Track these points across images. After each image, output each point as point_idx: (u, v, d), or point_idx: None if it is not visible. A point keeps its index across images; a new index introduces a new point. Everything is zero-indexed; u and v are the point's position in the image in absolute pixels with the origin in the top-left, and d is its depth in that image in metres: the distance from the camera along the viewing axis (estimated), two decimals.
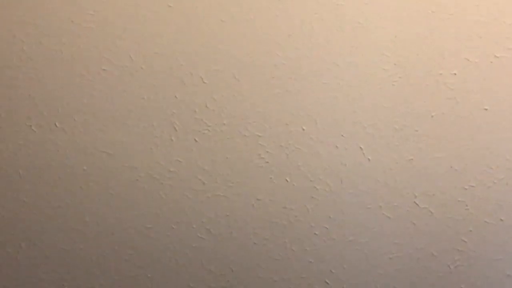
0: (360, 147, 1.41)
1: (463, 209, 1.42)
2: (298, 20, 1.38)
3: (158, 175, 1.42)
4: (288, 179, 1.42)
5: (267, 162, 1.42)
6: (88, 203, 1.43)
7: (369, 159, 1.41)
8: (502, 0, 1.37)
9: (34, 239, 1.45)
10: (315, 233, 1.44)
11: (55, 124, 1.41)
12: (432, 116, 1.40)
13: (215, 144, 1.41)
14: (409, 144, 1.41)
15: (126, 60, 1.39)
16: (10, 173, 1.42)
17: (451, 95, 1.40)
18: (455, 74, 1.39)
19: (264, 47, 1.39)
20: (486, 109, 1.40)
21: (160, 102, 1.40)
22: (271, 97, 1.40)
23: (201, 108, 1.40)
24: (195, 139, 1.42)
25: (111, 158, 1.42)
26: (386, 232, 1.44)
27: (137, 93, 1.40)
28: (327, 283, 1.45)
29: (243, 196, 1.42)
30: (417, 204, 1.42)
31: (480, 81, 1.39)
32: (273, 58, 1.39)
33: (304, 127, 1.41)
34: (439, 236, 1.43)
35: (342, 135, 1.41)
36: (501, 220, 1.43)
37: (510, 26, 1.38)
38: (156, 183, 1.43)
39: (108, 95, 1.40)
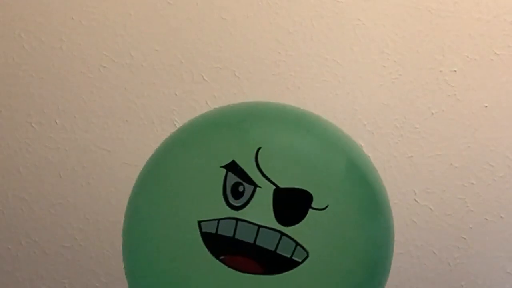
0: (360, 144, 1.41)
1: (463, 207, 1.42)
2: (298, 17, 1.38)
3: None
4: None
5: None
6: (88, 200, 1.43)
7: (369, 156, 1.41)
8: None
9: (34, 236, 1.45)
10: None
11: (55, 122, 1.41)
12: (432, 114, 1.40)
13: None
14: (409, 142, 1.41)
15: (126, 57, 1.39)
16: (10, 170, 1.43)
17: (451, 92, 1.39)
18: (455, 71, 1.39)
19: (264, 45, 1.39)
20: (486, 106, 1.40)
21: (160, 99, 1.40)
22: (271, 95, 1.40)
23: (201, 105, 1.40)
24: None
25: (111, 155, 1.42)
26: None
27: (137, 90, 1.40)
28: None
29: None
30: (417, 201, 1.42)
31: (480, 78, 1.39)
32: (273, 55, 1.39)
33: None
34: (439, 234, 1.43)
35: None
36: (501, 217, 1.43)
37: (510, 24, 1.38)
38: None
39: (108, 92, 1.40)
